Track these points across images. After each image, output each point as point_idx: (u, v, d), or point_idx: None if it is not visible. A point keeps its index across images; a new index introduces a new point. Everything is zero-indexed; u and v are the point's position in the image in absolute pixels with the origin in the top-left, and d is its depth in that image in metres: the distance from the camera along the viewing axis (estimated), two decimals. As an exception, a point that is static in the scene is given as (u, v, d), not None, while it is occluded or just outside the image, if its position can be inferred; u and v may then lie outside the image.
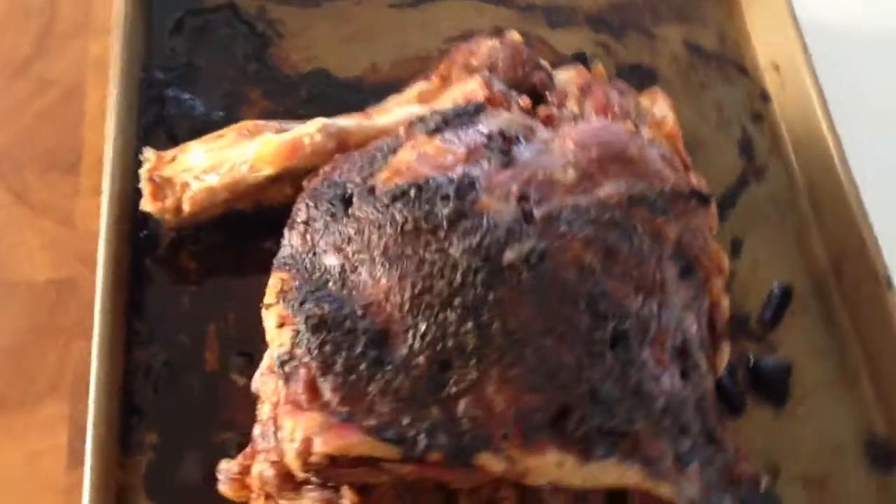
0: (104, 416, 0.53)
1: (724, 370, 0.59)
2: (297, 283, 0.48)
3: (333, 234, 0.50)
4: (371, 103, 0.66)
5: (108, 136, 0.61)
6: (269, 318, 0.48)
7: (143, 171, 0.60)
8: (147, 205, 0.59)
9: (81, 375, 0.58)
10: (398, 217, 0.48)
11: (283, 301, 0.47)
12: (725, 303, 0.56)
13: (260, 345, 0.59)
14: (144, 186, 0.60)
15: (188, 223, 0.61)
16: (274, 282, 0.50)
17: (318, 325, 0.45)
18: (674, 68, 0.77)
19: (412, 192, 0.48)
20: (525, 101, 0.61)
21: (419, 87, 0.66)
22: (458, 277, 0.46)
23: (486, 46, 0.66)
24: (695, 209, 0.53)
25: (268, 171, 0.58)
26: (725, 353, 0.56)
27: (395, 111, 0.61)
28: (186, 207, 0.59)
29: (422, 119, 0.55)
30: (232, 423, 0.57)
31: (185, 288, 0.61)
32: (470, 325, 0.45)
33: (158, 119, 0.68)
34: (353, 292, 0.47)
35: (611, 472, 0.45)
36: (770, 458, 0.60)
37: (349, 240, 0.49)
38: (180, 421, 0.56)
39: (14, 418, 0.57)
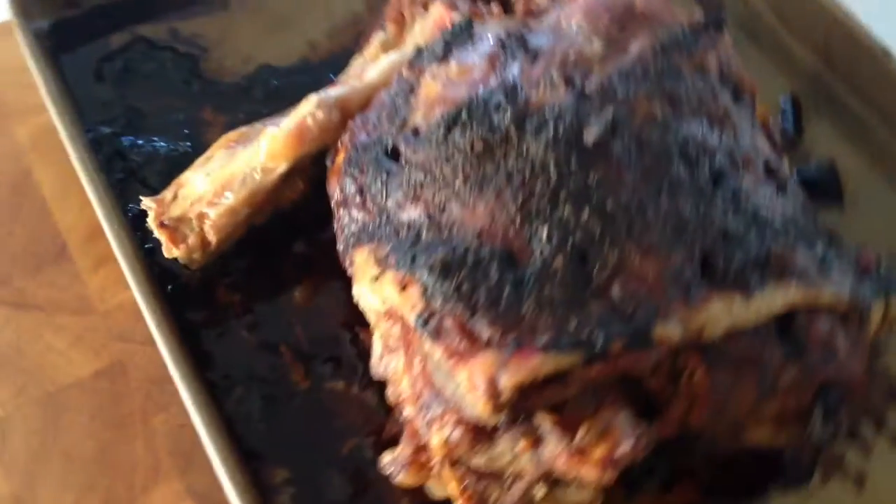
0: (233, 473, 0.48)
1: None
2: (389, 246, 0.45)
3: (400, 188, 0.47)
4: (328, 79, 0.63)
5: (97, 210, 0.56)
6: (380, 291, 0.45)
7: (151, 221, 0.56)
8: (171, 251, 0.55)
9: (178, 447, 0.53)
10: (462, 143, 0.46)
11: (392, 267, 0.44)
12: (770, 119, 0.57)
13: (338, 345, 0.57)
14: (159, 235, 0.55)
15: (214, 255, 0.57)
16: (362, 259, 0.47)
17: (444, 271, 0.42)
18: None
19: (463, 115, 0.46)
20: (496, 6, 0.59)
21: (378, 39, 0.63)
22: (553, 173, 0.44)
23: (427, -25, 0.63)
24: (715, 36, 0.53)
25: (282, 167, 0.54)
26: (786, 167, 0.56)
27: (375, 65, 0.58)
28: (212, 237, 0.55)
29: (421, 54, 0.53)
30: (350, 428, 0.53)
31: (238, 321, 0.57)
32: (587, 211, 0.43)
33: (127, 173, 0.63)
34: (454, 229, 0.44)
35: (775, 298, 0.44)
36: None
37: (421, 186, 0.46)
38: (302, 448, 0.53)
39: (132, 516, 0.52)
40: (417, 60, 0.52)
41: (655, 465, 0.51)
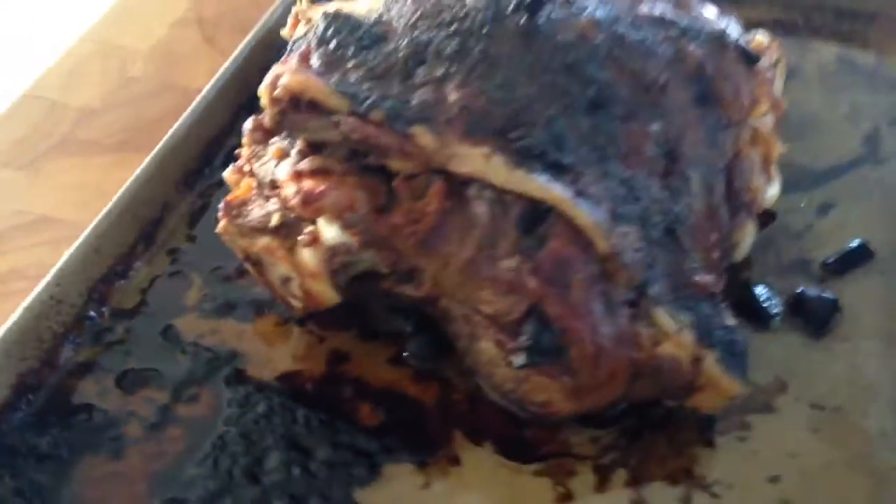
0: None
1: (763, 287, 0.57)
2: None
3: None
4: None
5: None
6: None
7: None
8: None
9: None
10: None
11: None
12: (759, 181, 0.55)
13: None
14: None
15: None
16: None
17: (331, 19, 0.51)
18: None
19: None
20: None
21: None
22: (463, 12, 0.50)
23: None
24: (734, 59, 0.54)
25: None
26: (746, 230, 0.54)
27: None
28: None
29: None
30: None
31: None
32: (455, 42, 0.48)
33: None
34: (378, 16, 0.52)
35: (535, 186, 0.45)
36: (782, 376, 0.54)
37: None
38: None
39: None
40: None
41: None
